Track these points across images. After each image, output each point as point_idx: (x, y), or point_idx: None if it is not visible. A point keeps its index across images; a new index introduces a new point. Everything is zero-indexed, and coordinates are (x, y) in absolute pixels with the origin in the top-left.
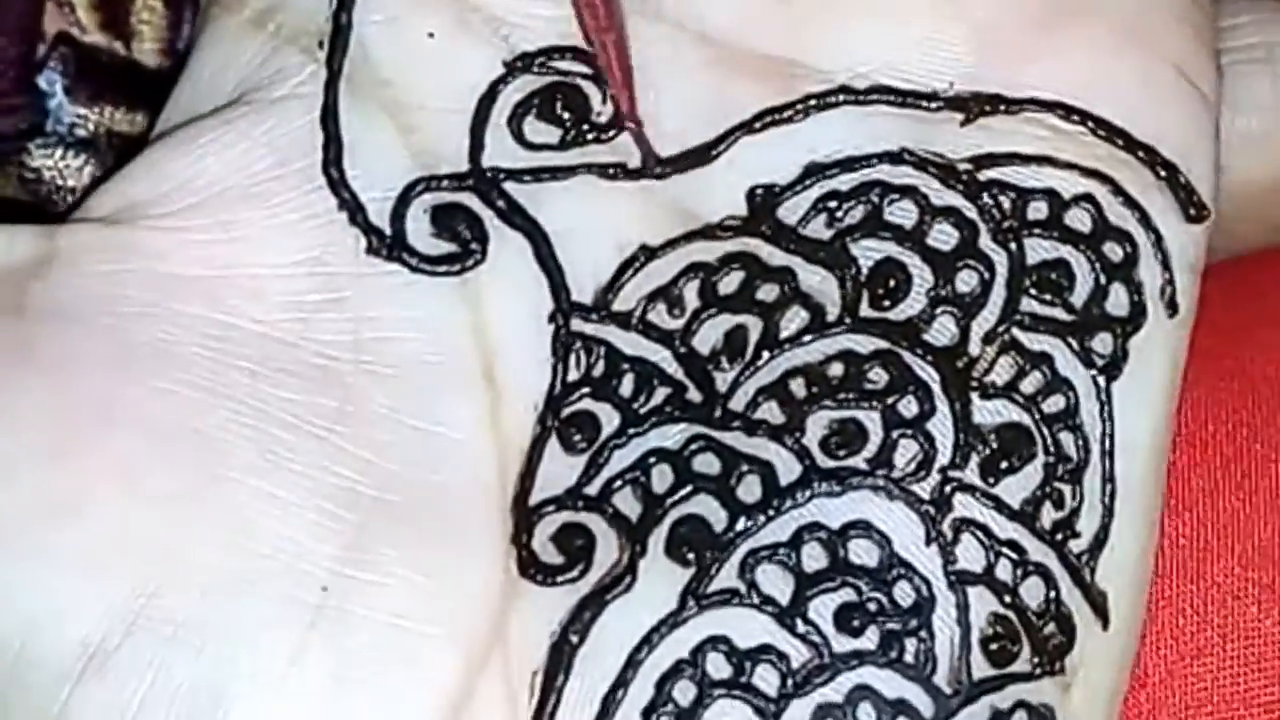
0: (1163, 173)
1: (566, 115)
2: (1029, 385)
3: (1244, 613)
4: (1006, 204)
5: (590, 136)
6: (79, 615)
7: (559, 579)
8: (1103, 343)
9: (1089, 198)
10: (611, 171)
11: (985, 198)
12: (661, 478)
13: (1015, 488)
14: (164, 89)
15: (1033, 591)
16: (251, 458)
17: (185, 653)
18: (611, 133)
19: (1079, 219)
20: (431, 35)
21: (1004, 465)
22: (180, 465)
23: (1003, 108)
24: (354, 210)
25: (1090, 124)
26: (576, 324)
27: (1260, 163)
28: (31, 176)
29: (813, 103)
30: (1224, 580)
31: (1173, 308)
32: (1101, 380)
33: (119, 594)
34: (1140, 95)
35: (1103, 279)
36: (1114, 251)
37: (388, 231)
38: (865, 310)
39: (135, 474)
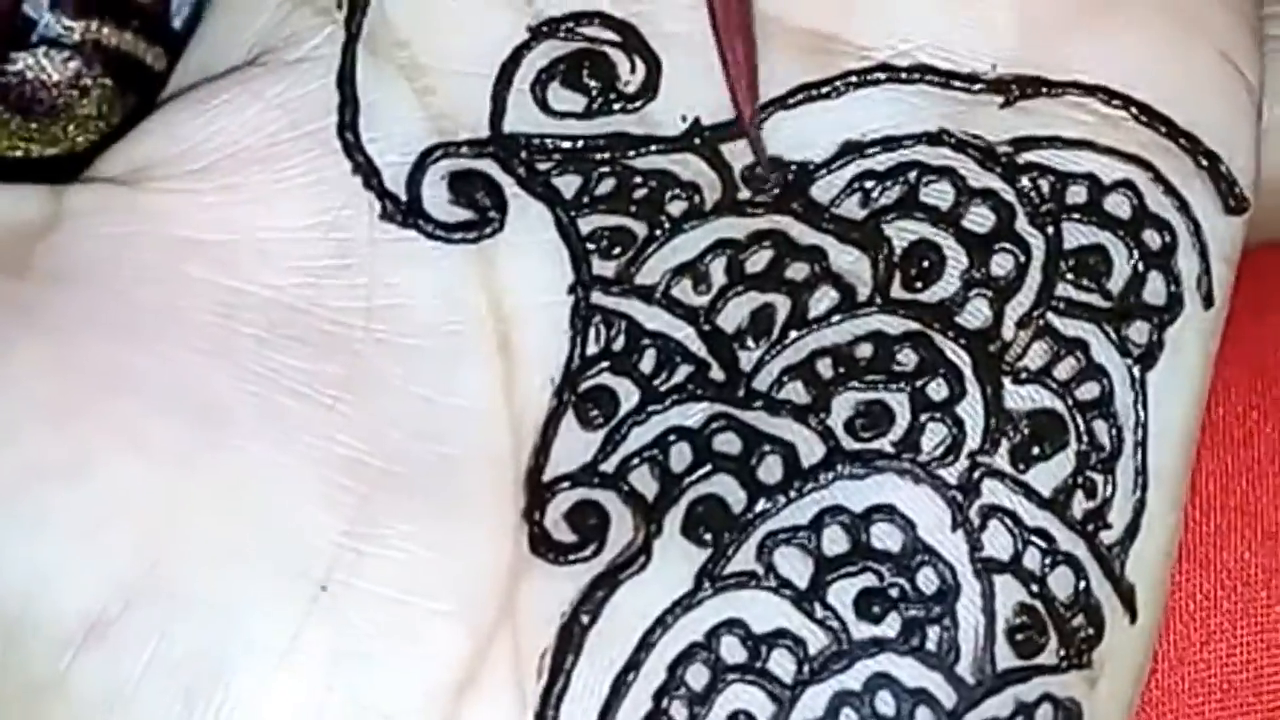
0: (1204, 162)
1: (593, 83)
2: (1063, 371)
3: (1254, 598)
4: (1045, 187)
5: (617, 106)
6: (79, 582)
7: (571, 557)
8: (1139, 331)
9: (1129, 184)
10: (640, 143)
11: (1024, 180)
12: (680, 456)
13: (1046, 475)
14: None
15: (1061, 582)
16: (257, 425)
17: (186, 623)
18: (639, 102)
19: (1118, 205)
20: None
21: (1035, 452)
22: (183, 431)
23: (1044, 90)
24: (369, 174)
25: (1133, 109)
26: (597, 297)
27: None
28: (14, 81)
29: (852, 79)
30: (1234, 565)
31: (1208, 299)
32: (1137, 369)
33: (119, 562)
34: (1185, 82)
35: (1140, 267)
36: (1153, 239)
37: (403, 197)
38: (897, 291)
39: (137, 439)
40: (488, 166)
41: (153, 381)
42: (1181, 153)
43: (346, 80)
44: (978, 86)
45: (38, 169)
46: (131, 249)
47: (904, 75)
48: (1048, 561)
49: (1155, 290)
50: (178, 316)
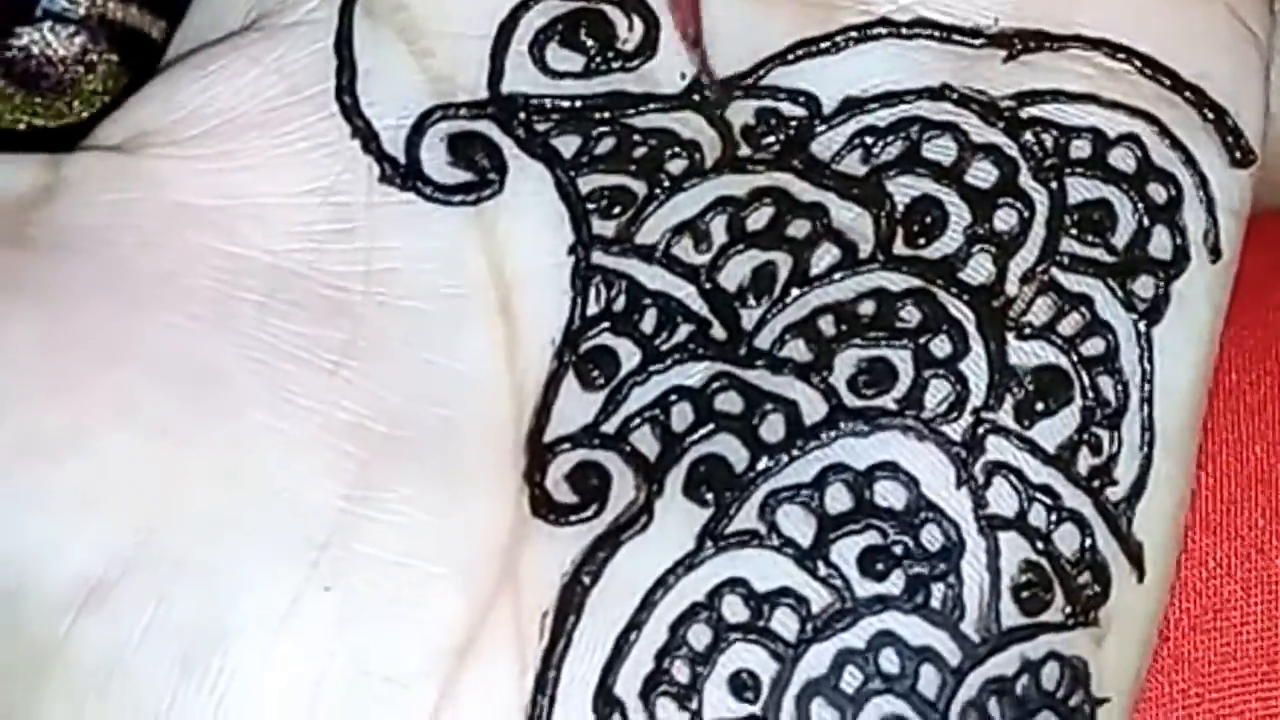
0: (1210, 115)
1: (590, 42)
2: (1067, 327)
3: (1268, 566)
4: (1049, 142)
5: (616, 65)
6: (76, 550)
7: (572, 518)
8: (1144, 286)
9: (1134, 137)
10: (639, 102)
11: (1026, 135)
12: (681, 416)
13: (1051, 431)
14: None
15: (1067, 539)
16: (256, 392)
17: (186, 589)
18: (637, 61)
19: (1123, 159)
20: None
21: (1039, 408)
22: (181, 399)
23: (1047, 44)
24: (367, 138)
25: (1137, 62)
26: (597, 257)
27: None
28: (19, 56)
29: (852, 34)
30: (1248, 533)
31: (1216, 253)
32: (1142, 325)
33: (117, 530)
34: (1190, 34)
35: (1145, 221)
36: (1158, 193)
37: (402, 160)
38: (899, 248)
39: (134, 408)
40: (486, 128)
41: (150, 351)
42: (1187, 106)
43: (344, 44)
44: (979, 41)
45: (40, 140)
46: (129, 216)
47: (904, 30)
48: (1053, 518)
49: (1161, 244)
50: (176, 284)
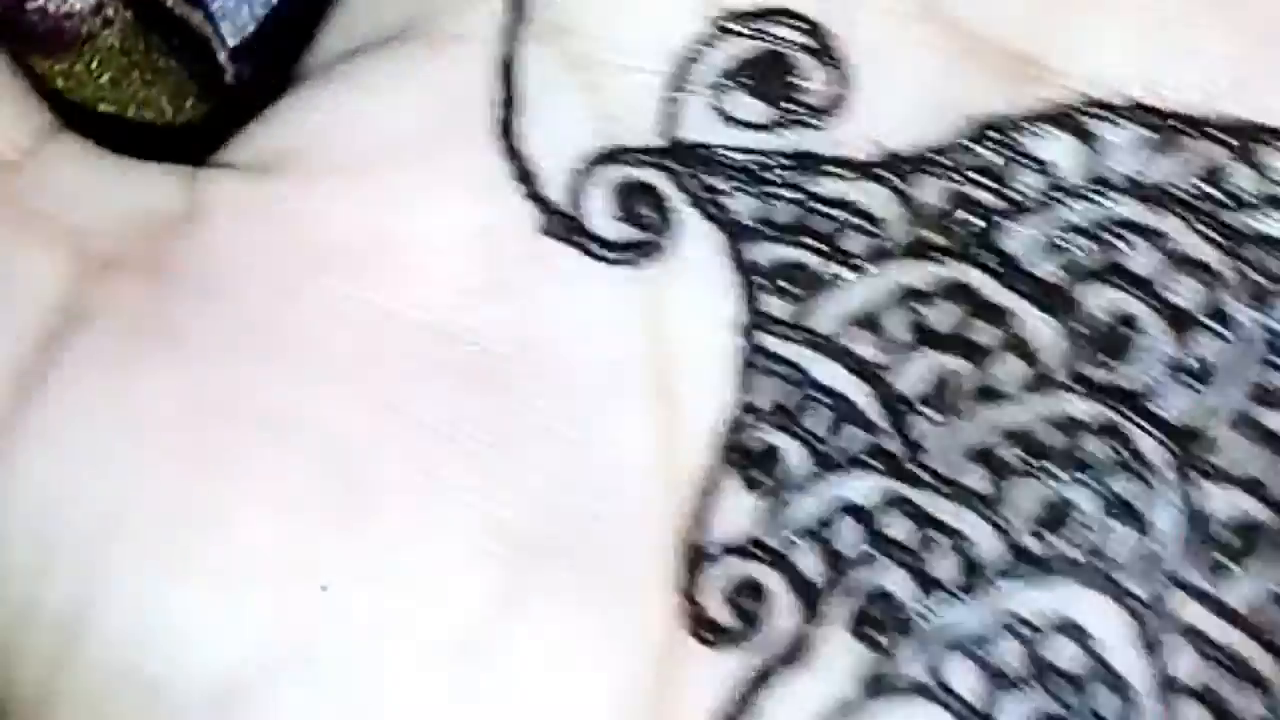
0: None
1: (780, 91)
2: (1271, 475)
3: None
4: (1271, 263)
5: (804, 121)
6: (221, 643)
7: (727, 641)
8: None
9: None
10: (826, 166)
11: (1245, 251)
12: (849, 538)
13: (1245, 591)
14: None
15: (1252, 707)
16: (402, 476)
17: (326, 692)
18: (828, 118)
19: None
20: None
21: (1234, 567)
22: (327, 481)
23: (1272, 137)
24: (530, 181)
25: None
26: (769, 340)
27: None
28: (36, 18)
29: (1051, 120)
30: None
31: None
32: None
33: (262, 626)
34: None
35: None
36: None
37: (565, 209)
38: (1092, 370)
39: (280, 488)
40: (658, 179)
41: (294, 424)
42: None
43: (509, 69)
44: (1200, 130)
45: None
46: (270, 257)
47: (1110, 113)
48: (1239, 684)
49: None
50: (318, 342)
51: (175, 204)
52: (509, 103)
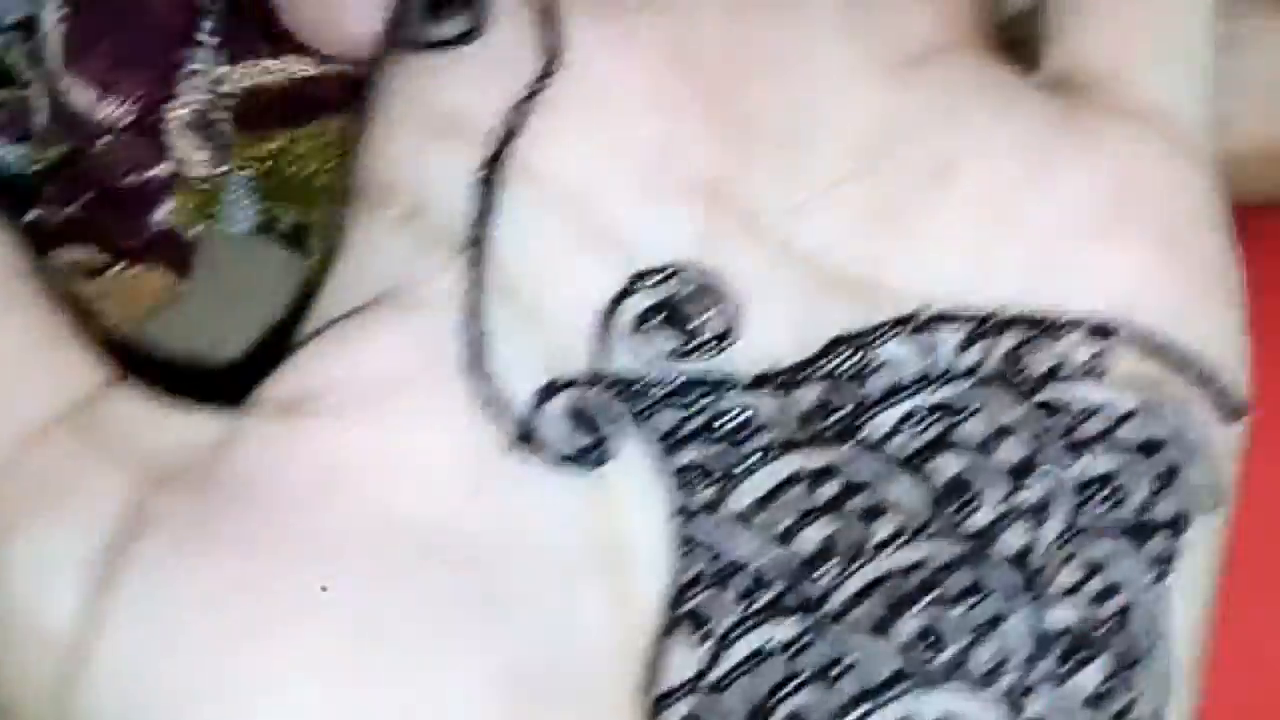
0: (1204, 381)
1: (684, 328)
2: (1091, 588)
3: None
4: (1066, 421)
5: (705, 348)
6: None
7: None
8: (1156, 545)
9: (1137, 413)
10: (725, 384)
11: (1046, 415)
12: (774, 672)
13: (1084, 681)
14: None
15: None
16: (419, 641)
17: None
18: (724, 344)
19: (1131, 432)
20: (561, 251)
21: (1071, 664)
22: (358, 651)
23: (1063, 326)
24: (497, 407)
25: (1135, 340)
26: (697, 523)
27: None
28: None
29: (895, 330)
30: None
31: (1218, 500)
32: (1156, 580)
33: None
34: (1181, 305)
35: (1155, 487)
36: (1163, 461)
37: (527, 428)
38: (945, 521)
39: (320, 659)
40: (598, 401)
41: (331, 605)
42: (1182, 375)
43: (471, 321)
44: (995, 326)
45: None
46: (295, 474)
47: (940, 320)
48: None
49: (1168, 507)
50: (339, 535)
51: (217, 435)
52: (475, 346)
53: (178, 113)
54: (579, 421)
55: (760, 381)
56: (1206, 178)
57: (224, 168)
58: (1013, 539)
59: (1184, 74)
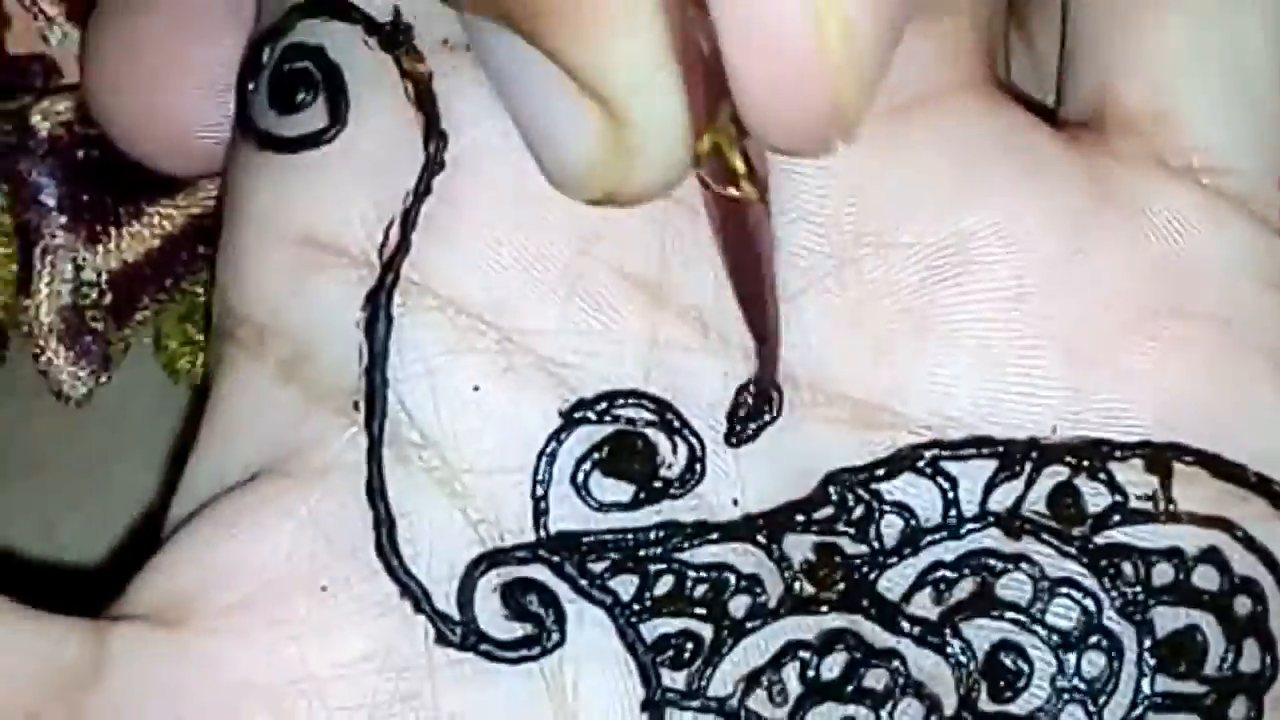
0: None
1: (636, 468)
2: None
3: None
4: (1129, 570)
5: (664, 492)
6: None
7: None
8: (1239, 708)
9: (1214, 551)
10: (693, 533)
11: (1105, 564)
12: None
13: None
14: None
15: None
16: None
17: None
18: (686, 485)
19: (1206, 577)
20: (477, 388)
21: None
22: None
23: (1117, 454)
24: (416, 597)
25: (1204, 463)
26: (673, 714)
27: None
28: None
29: (902, 464)
30: None
31: None
32: None
33: None
34: (1247, 406)
35: (1235, 638)
36: (1243, 605)
37: (456, 617)
38: (984, 703)
39: None
40: (539, 572)
41: None
42: (1257, 496)
43: (377, 493)
44: (1035, 455)
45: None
46: (187, 701)
47: (959, 451)
48: None
49: (1252, 658)
50: None
51: (85, 658)
52: (384, 524)
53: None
54: (519, 601)
55: (739, 529)
56: (1271, 240)
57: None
58: None
59: (1247, 117)
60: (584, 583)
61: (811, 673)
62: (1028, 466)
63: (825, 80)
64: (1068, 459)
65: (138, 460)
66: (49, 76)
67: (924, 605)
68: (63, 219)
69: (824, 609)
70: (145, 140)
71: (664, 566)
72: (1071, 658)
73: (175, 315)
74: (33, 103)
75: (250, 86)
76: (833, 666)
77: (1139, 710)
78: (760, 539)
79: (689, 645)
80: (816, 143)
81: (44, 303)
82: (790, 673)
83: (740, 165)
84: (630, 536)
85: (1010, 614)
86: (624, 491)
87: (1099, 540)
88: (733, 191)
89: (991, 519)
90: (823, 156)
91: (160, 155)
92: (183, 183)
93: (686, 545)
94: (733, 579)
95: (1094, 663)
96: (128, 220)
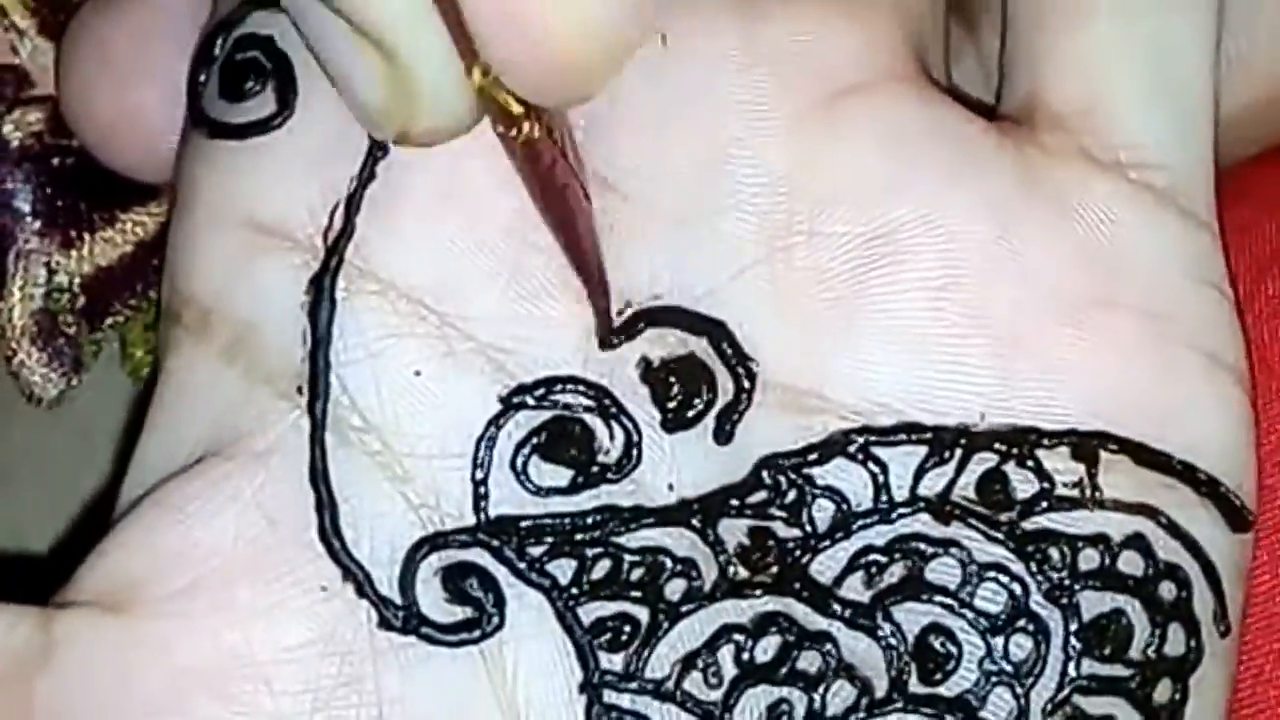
0: (1205, 489)
1: (574, 453)
2: None
3: None
4: (1056, 555)
5: (602, 477)
6: None
7: None
8: (1164, 690)
9: (1139, 537)
10: (630, 518)
11: (1032, 549)
12: None
13: None
14: None
15: None
16: None
17: None
18: (623, 471)
19: (1131, 562)
20: (418, 372)
21: None
22: None
23: (1045, 442)
24: (359, 581)
25: (1130, 451)
26: (610, 695)
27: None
28: None
29: (833, 449)
30: None
31: (1225, 626)
32: None
33: None
34: (1175, 395)
35: (1159, 622)
36: (1169, 591)
37: (398, 601)
38: (915, 685)
39: None
40: (479, 556)
41: None
42: (1182, 485)
43: (319, 477)
44: (964, 441)
45: None
46: (134, 684)
47: (889, 436)
48: None
49: (1176, 642)
50: None
51: (33, 645)
52: (325, 507)
53: (15, 322)
54: (459, 584)
55: (675, 513)
56: (1200, 234)
57: (76, 381)
58: (999, 705)
59: (1175, 112)
60: (523, 566)
61: (746, 655)
62: (957, 453)
63: (543, 20)
64: (996, 446)
65: (107, 464)
66: (20, 87)
67: (856, 589)
68: (36, 224)
69: (758, 592)
70: (117, 148)
71: (601, 550)
72: (999, 641)
73: (141, 324)
74: (4, 113)
75: (202, 77)
76: (767, 649)
77: (1065, 692)
78: (695, 523)
79: (626, 628)
80: (556, 89)
81: (17, 306)
82: (725, 655)
83: (515, 105)
84: (568, 521)
85: (940, 598)
86: (562, 476)
87: (1027, 526)
88: (514, 133)
89: (922, 504)
90: (573, 105)
91: (132, 163)
92: (156, 190)
93: (623, 530)
94: (669, 563)
95: (1021, 646)
96: (101, 226)
